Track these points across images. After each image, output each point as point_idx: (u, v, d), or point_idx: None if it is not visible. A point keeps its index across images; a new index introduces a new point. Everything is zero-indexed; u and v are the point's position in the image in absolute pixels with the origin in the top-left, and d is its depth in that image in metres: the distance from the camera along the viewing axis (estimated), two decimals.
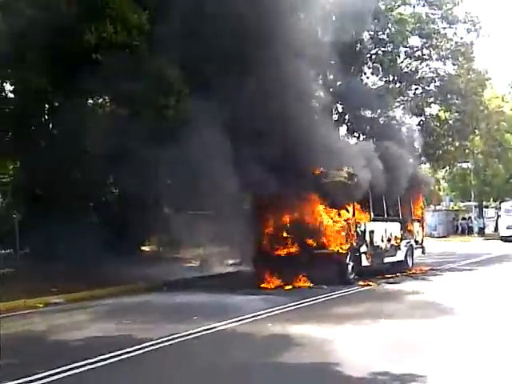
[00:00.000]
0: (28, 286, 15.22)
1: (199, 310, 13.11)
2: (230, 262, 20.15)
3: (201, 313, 12.56)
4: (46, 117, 20.61)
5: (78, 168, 18.29)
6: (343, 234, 17.17)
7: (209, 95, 16.48)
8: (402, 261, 20.56)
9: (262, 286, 16.62)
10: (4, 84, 19.80)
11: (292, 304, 13.56)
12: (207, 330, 10.71)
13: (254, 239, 17.51)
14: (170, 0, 16.94)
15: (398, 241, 20.26)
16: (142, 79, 17.06)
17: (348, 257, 17.32)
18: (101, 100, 21.19)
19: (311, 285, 16.65)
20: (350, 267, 17.40)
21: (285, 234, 17.33)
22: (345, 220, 17.35)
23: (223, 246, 19.27)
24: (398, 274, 19.37)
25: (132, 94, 17.25)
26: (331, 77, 25.35)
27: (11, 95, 19.86)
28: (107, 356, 8.83)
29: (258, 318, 12.05)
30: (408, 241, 21.09)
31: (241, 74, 16.50)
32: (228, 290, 15.98)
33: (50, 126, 20.62)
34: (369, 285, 17.03)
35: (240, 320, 11.70)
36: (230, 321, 11.53)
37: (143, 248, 22.29)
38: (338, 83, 25.54)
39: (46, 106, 20.42)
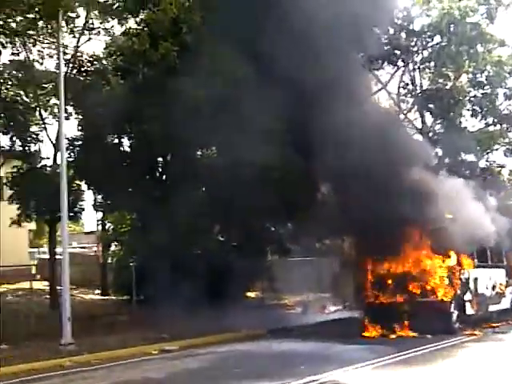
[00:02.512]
0: (142, 333, 16.32)
1: (304, 359, 13.42)
2: (333, 309, 20.33)
3: (306, 362, 12.89)
4: (160, 170, 21.95)
5: (188, 217, 19.19)
6: (447, 281, 17.07)
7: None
8: (507, 309, 20.09)
9: (366, 334, 16.72)
10: (122, 139, 21.36)
11: (397, 354, 13.54)
12: (314, 380, 10.98)
13: (357, 287, 17.77)
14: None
15: (503, 288, 19.84)
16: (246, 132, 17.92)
17: (452, 305, 17.11)
18: (208, 151, 22.30)
19: (415, 334, 16.55)
20: (454, 316, 17.16)
21: (388, 282, 17.43)
22: (448, 267, 17.27)
23: (326, 292, 19.69)
24: (503, 323, 18.94)
25: (235, 146, 18.19)
26: (430, 121, 25.50)
27: (128, 150, 21.41)
28: None
29: (364, 368, 12.23)
30: None
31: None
32: (331, 338, 16.18)
33: (164, 177, 21.94)
34: (474, 334, 16.74)
35: (345, 370, 11.92)
36: (336, 371, 11.77)
37: (248, 294, 22.88)
38: (437, 127, 25.56)
39: (160, 159, 21.77)
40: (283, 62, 17.16)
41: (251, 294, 23.47)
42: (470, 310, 17.85)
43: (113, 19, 21.75)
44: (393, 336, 16.48)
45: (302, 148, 18.27)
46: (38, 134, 21.36)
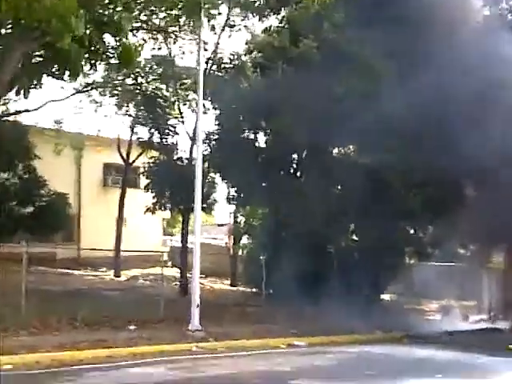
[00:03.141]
0: (270, 326, 15.96)
1: (442, 367, 12.43)
2: (477, 318, 18.99)
3: (444, 371, 11.91)
4: (295, 166, 21.58)
5: (323, 215, 18.65)
6: None
7: None
8: None
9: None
10: (257, 135, 21.22)
11: None
12: None
13: (508, 296, 16.36)
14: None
15: None
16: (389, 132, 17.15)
17: None
18: (346, 149, 21.68)
19: None
20: None
21: None
22: None
23: (468, 300, 18.37)
24: None
25: (377, 146, 17.46)
26: None
27: (263, 145, 21.23)
28: None
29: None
30: None
31: None
32: (473, 348, 14.99)
33: (298, 174, 21.55)
34: None
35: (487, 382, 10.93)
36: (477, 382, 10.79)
37: (382, 296, 21.97)
38: None
39: (295, 155, 21.41)
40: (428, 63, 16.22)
41: (387, 297, 22.48)
42: None
43: (254, 16, 21.65)
44: None
45: (441, 146, 17.13)
46: (175, 127, 21.66)
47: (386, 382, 10.74)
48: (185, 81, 21.97)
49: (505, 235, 16.57)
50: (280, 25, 20.70)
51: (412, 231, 21.53)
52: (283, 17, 20.58)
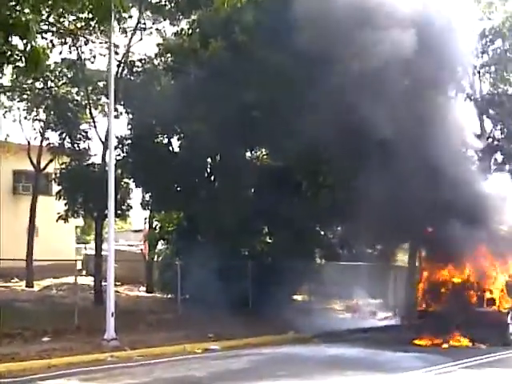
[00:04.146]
0: (186, 332, 16.04)
1: (352, 364, 12.96)
2: (383, 315, 19.78)
3: (354, 367, 12.43)
4: (209, 170, 21.76)
5: (236, 217, 18.91)
6: (505, 291, 16.33)
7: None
8: None
9: (417, 342, 16.20)
10: (171, 139, 21.24)
11: (449, 364, 12.98)
12: None
13: (410, 293, 17.18)
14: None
15: None
16: (294, 138, 17.57)
17: (509, 316, 16.42)
18: (258, 153, 22.05)
19: (469, 344, 15.96)
20: (511, 327, 16.45)
21: (442, 290, 16.81)
22: (508, 277, 16.53)
23: (375, 298, 19.11)
24: None
25: (286, 151, 17.85)
26: (490, 127, 24.62)
27: (177, 149, 21.28)
28: None
29: (413, 375, 11.75)
30: None
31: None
32: (380, 345, 15.67)
33: (212, 178, 21.74)
34: None
35: (394, 377, 11.46)
36: (384, 378, 11.30)
37: (295, 297, 22.49)
38: (497, 133, 24.69)
39: (209, 160, 21.59)
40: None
41: (298, 298, 23.02)
42: None
43: (165, 20, 21.69)
44: (445, 345, 15.95)
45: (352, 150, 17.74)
46: (87, 132, 21.39)
47: (297, 381, 11.04)
48: (96, 84, 21.74)
49: (407, 235, 17.34)
50: (191, 28, 20.84)
51: (322, 232, 22.06)
52: (194, 20, 20.71)
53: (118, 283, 17.62)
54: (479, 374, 12.33)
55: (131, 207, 21.20)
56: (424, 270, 17.38)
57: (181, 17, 21.32)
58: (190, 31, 20.61)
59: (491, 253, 16.67)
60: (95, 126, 21.46)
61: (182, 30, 21.00)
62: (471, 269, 16.88)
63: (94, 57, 21.09)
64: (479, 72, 24.74)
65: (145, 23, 21.74)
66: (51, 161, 24.33)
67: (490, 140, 23.25)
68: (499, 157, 22.56)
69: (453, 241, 15.90)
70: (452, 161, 16.46)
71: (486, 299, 16.50)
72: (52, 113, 21.64)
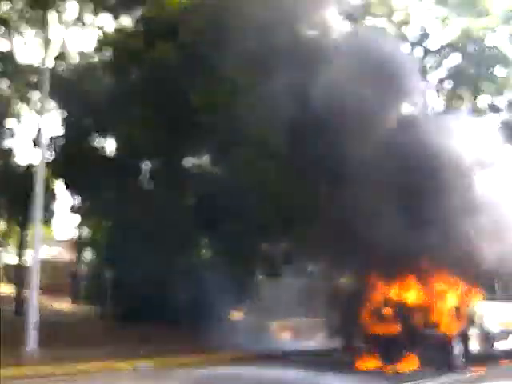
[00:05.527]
0: (115, 347, 15.09)
1: None
2: (325, 336, 19.11)
3: None
4: (147, 176, 20.74)
5: (173, 228, 17.95)
6: (452, 314, 15.92)
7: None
8: None
9: (359, 366, 15.57)
10: (106, 141, 20.15)
11: None
12: None
13: (353, 315, 16.59)
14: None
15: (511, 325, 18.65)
16: (242, 142, 16.92)
17: (456, 339, 16.00)
18: (201, 160, 21.19)
19: (414, 368, 15.38)
20: (457, 351, 16.03)
21: (386, 312, 16.24)
22: (455, 299, 16.11)
23: (318, 317, 18.41)
24: (510, 361, 17.71)
25: (231, 156, 17.15)
26: None
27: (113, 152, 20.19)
28: None
29: None
30: None
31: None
32: (321, 366, 14.98)
33: (148, 184, 20.72)
34: (477, 371, 15.62)
35: None
36: None
37: (233, 313, 21.62)
38: None
39: (147, 165, 20.59)
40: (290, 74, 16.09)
41: (238, 314, 22.10)
42: (475, 346, 16.66)
43: (106, 13, 20.65)
44: (389, 368, 15.31)
45: (301, 162, 17.11)
46: (13, 130, 19.99)
47: None
48: (28, 79, 20.41)
49: (348, 255, 16.80)
50: (135, 25, 19.88)
51: (264, 247, 21.36)
52: (138, 17, 19.74)
53: (41, 293, 16.25)
54: None
55: (54, 212, 19.95)
56: (370, 290, 16.80)
57: (123, 12, 20.33)
58: (134, 29, 19.67)
59: (442, 274, 16.23)
60: (23, 124, 20.23)
61: (125, 26, 20.03)
62: (416, 289, 16.43)
63: (28, 50, 19.97)
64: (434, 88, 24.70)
65: (84, 17, 20.66)
66: None
67: None
68: None
69: (401, 260, 15.42)
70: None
71: (431, 321, 16.00)
72: None
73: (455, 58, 21.82)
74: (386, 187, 15.20)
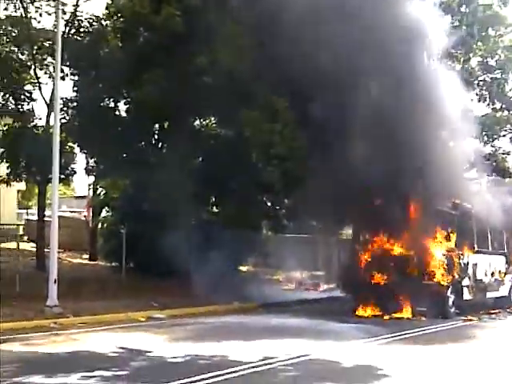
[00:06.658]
0: (131, 300, 15.98)
1: (294, 334, 13.04)
2: (327, 286, 20.04)
3: (296, 337, 12.53)
4: (156, 136, 21.40)
5: (184, 187, 18.72)
6: (445, 265, 16.70)
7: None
8: (505, 296, 19.75)
9: (359, 313, 16.52)
10: (118, 103, 20.76)
11: (390, 335, 13.25)
12: (303, 355, 10.62)
13: (352, 266, 17.44)
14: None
15: (502, 275, 19.50)
16: (248, 104, 17.47)
17: (449, 289, 16.78)
18: (207, 122, 21.79)
19: (410, 316, 16.31)
20: (450, 300, 16.85)
21: (384, 262, 17.05)
22: (448, 251, 16.90)
23: (320, 270, 19.32)
24: (501, 310, 18.61)
25: (238, 119, 17.71)
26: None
27: (124, 114, 20.82)
28: (206, 376, 8.89)
29: (354, 345, 11.96)
30: None
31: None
32: (323, 315, 15.89)
33: (160, 145, 21.40)
34: (470, 320, 16.48)
35: (336, 347, 11.63)
36: (325, 347, 11.47)
37: (241, 268, 22.55)
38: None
39: (157, 126, 21.21)
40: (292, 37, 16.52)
41: (244, 268, 23.11)
42: (467, 296, 17.59)
43: None
44: (386, 317, 16.25)
45: (305, 124, 17.72)
46: (31, 93, 20.64)
47: (240, 350, 11.06)
48: (42, 44, 20.97)
49: (349, 208, 17.50)
50: None
51: (269, 204, 22.07)
52: None
53: (60, 250, 17.23)
54: (417, 343, 12.52)
55: (75, 172, 20.63)
56: (366, 243, 17.57)
57: None
58: None
59: (431, 228, 16.95)
60: (40, 88, 20.85)
61: None
62: (411, 241, 17.13)
63: (41, 15, 20.45)
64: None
65: None
66: None
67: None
68: None
69: (395, 214, 16.15)
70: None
71: (427, 272, 16.79)
72: None
73: (448, 18, 21.82)
74: (373, 138, 15.85)
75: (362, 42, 16.16)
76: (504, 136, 25.66)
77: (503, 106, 25.16)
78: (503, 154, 25.84)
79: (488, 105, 25.14)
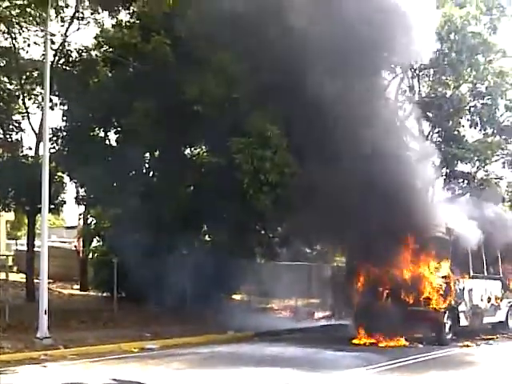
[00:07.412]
0: (122, 331, 15.69)
1: (290, 363, 12.80)
2: (322, 315, 19.82)
3: (292, 366, 12.31)
4: (147, 165, 21.27)
5: (174, 215, 18.56)
6: (441, 291, 16.57)
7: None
8: (502, 321, 19.57)
9: (355, 342, 16.30)
10: (108, 132, 20.67)
11: (387, 363, 13.05)
12: None
13: (348, 293, 17.28)
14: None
15: (499, 300, 19.34)
16: (240, 132, 17.43)
17: (446, 315, 16.67)
18: (198, 150, 21.71)
19: (406, 343, 16.15)
20: (447, 326, 16.73)
21: (380, 290, 16.89)
22: (443, 277, 16.77)
23: (315, 298, 19.09)
24: (497, 336, 18.42)
25: (229, 147, 17.64)
26: (428, 129, 25.05)
27: (114, 143, 20.71)
28: None
29: (351, 374, 11.75)
30: (509, 300, 20.05)
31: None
32: (319, 344, 15.64)
33: (151, 173, 21.26)
34: (467, 346, 16.32)
35: (332, 376, 11.44)
36: (322, 377, 11.27)
37: (234, 296, 22.28)
38: (435, 136, 25.17)
39: (147, 154, 21.12)
40: (284, 68, 16.58)
41: (237, 297, 22.81)
42: (464, 322, 17.43)
43: (103, 10, 21.09)
44: (383, 344, 16.07)
45: (298, 150, 17.70)
46: (20, 123, 20.58)
47: (233, 381, 10.82)
48: (30, 74, 20.92)
49: (343, 235, 17.42)
50: (131, 20, 20.36)
51: (262, 231, 21.91)
52: (133, 11, 20.22)
53: (50, 280, 16.95)
54: (415, 371, 12.33)
55: (65, 202, 20.47)
56: (361, 270, 17.43)
57: (120, 8, 20.77)
58: (130, 23, 20.16)
59: (426, 255, 16.89)
60: (29, 118, 20.82)
61: (122, 21, 20.51)
62: (407, 268, 17.03)
63: (29, 46, 20.40)
64: (418, 75, 25.16)
65: (83, 13, 21.08)
66: None
67: (428, 143, 23.59)
68: (436, 160, 22.85)
69: (389, 241, 16.06)
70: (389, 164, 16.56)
71: (423, 298, 16.66)
72: None
73: (438, 45, 22.00)
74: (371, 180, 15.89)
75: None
76: (496, 161, 25.74)
77: (494, 131, 25.28)
78: (496, 178, 25.89)
79: (480, 130, 25.25)
